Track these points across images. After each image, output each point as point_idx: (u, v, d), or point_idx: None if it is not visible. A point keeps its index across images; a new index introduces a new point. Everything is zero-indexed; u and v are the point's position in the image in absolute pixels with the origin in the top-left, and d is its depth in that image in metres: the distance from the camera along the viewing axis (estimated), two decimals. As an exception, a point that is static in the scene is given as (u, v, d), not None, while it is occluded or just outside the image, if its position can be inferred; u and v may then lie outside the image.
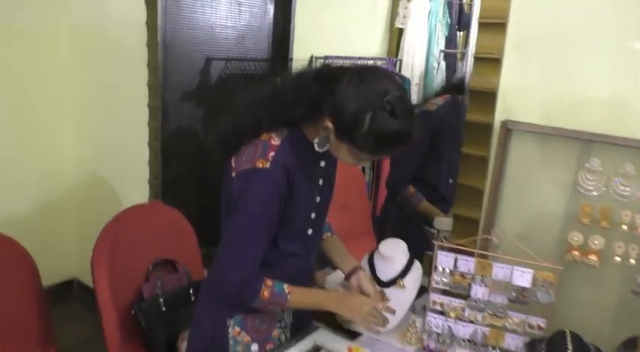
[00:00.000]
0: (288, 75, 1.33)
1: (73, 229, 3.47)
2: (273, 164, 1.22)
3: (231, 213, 1.26)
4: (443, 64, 4.55)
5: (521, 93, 1.61)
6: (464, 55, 5.28)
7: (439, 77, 4.53)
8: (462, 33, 5.37)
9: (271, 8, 3.51)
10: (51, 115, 3.15)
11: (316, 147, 1.25)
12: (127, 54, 2.59)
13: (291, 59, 3.60)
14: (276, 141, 1.26)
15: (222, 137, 1.33)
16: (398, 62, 4.17)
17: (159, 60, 2.25)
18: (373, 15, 4.34)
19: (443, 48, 4.91)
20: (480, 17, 1.32)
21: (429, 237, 1.92)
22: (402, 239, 1.74)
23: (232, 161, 1.30)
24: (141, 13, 2.29)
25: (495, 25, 1.29)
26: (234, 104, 1.33)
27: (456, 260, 1.47)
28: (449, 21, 4.97)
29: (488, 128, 1.24)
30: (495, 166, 1.26)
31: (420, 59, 4.60)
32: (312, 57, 3.34)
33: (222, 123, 1.34)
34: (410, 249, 1.68)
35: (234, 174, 1.27)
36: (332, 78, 1.21)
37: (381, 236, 1.36)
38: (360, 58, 3.73)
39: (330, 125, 1.21)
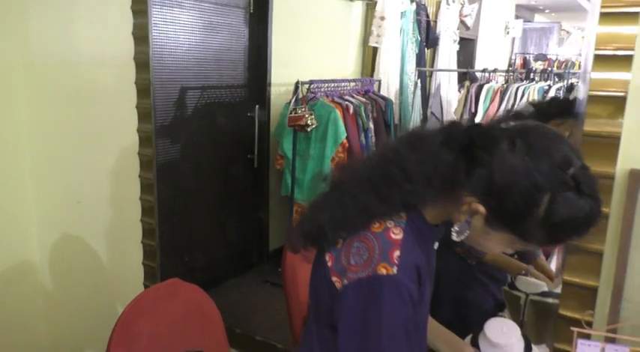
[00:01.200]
0: (403, 141, 0.95)
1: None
2: (402, 268, 0.88)
3: (349, 337, 0.93)
4: (419, 82, 4.44)
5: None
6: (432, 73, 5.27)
7: (417, 95, 4.41)
8: (429, 50, 5.34)
9: (246, 32, 3.25)
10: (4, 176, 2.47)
11: (454, 236, 0.92)
12: (108, 95, 2.13)
13: (270, 84, 3.35)
14: (396, 234, 0.91)
15: (314, 230, 0.97)
16: (377, 82, 3.99)
17: (151, 102, 1.91)
18: (348, 35, 4.17)
19: (414, 66, 4.83)
20: (597, 47, 1.09)
21: (499, 301, 1.66)
22: (461, 301, 1.51)
23: (328, 258, 0.97)
24: (125, 48, 1.94)
25: (616, 58, 1.09)
26: (330, 187, 0.99)
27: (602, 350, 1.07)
28: (419, 38, 4.90)
29: (605, 178, 1.05)
30: (624, 224, 1.06)
31: (394, 78, 4.48)
32: (297, 82, 3.09)
33: (312, 212, 1.00)
34: (473, 313, 1.44)
35: (337, 281, 0.94)
36: (478, 142, 0.88)
37: (434, 298, 1.08)
38: (344, 80, 3.53)
39: (479, 208, 0.88)
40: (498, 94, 3.92)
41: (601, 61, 1.12)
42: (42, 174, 2.48)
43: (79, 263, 2.56)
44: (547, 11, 9.52)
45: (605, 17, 1.11)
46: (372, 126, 3.51)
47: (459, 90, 4.81)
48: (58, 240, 2.58)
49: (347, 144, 3.19)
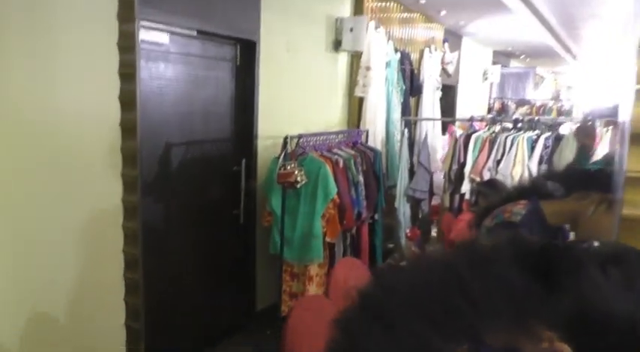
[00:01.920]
0: (463, 261, 0.77)
1: None
2: None
3: None
4: (406, 131, 4.40)
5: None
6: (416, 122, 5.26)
7: (404, 144, 4.35)
8: (413, 98, 5.36)
9: (233, 85, 3.18)
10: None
11: None
12: (91, 161, 1.94)
13: (256, 137, 3.26)
14: None
15: None
16: (365, 133, 3.93)
17: (138, 171, 1.77)
18: (334, 85, 4.13)
19: (400, 114, 4.81)
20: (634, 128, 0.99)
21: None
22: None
23: None
24: (108, 111, 1.81)
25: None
26: (365, 311, 0.79)
27: None
28: (403, 87, 4.91)
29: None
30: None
31: (381, 127, 4.44)
32: (286, 137, 3.00)
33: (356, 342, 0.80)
34: None
35: None
36: (560, 265, 0.73)
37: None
38: (333, 133, 3.46)
39: (564, 349, 0.69)
40: (487, 143, 3.89)
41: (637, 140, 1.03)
42: (13, 253, 2.18)
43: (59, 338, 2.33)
44: (522, 57, 9.79)
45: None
46: (361, 179, 3.42)
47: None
48: (33, 318, 2.35)
49: (338, 200, 3.09)
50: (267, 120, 3.36)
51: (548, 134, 3.71)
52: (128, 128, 1.78)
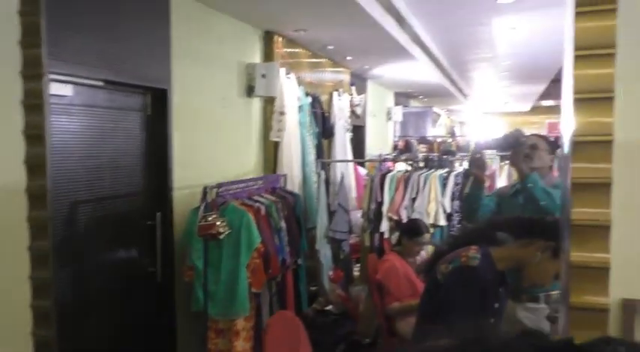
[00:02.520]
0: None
1: None
2: None
3: None
4: (322, 173, 4.44)
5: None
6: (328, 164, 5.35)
7: (322, 187, 4.38)
8: (326, 141, 5.46)
9: (144, 135, 3.03)
10: None
11: None
12: None
13: (172, 189, 3.13)
14: None
15: None
16: (283, 177, 3.91)
17: (49, 240, 1.58)
18: (249, 131, 4.10)
19: (314, 157, 4.87)
20: (574, 177, 1.03)
21: None
22: None
23: None
24: (12, 177, 1.60)
25: (596, 186, 1.05)
26: None
27: None
28: (316, 130, 4.99)
29: (598, 312, 0.98)
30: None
31: (297, 170, 4.46)
32: (205, 188, 2.89)
33: None
34: None
35: None
36: None
37: None
38: (252, 179, 3.40)
39: None
40: (402, 182, 4.03)
41: (580, 189, 1.07)
42: None
43: None
44: (421, 97, 10.43)
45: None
46: (284, 224, 3.37)
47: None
48: None
49: (262, 249, 3.00)
50: (183, 170, 3.23)
51: (457, 171, 3.92)
52: (36, 195, 1.59)
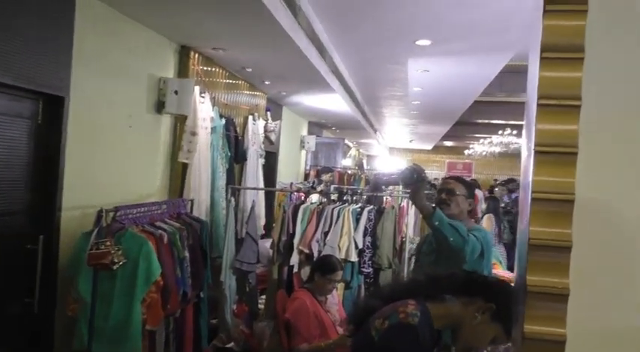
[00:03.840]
0: None
1: None
2: None
3: None
4: (232, 199, 4.22)
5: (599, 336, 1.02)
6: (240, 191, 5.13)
7: (231, 214, 4.15)
8: (238, 165, 5.24)
9: (32, 146, 2.68)
10: None
11: None
12: None
13: (60, 209, 2.78)
14: None
15: None
16: (189, 202, 3.64)
17: None
18: (156, 150, 3.79)
19: (225, 182, 4.64)
20: (533, 239, 0.93)
21: None
22: None
23: None
24: None
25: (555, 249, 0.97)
26: None
27: None
28: (228, 154, 4.77)
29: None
30: None
31: (205, 195, 4.20)
32: (101, 211, 2.58)
33: None
34: None
35: None
36: None
37: None
38: (155, 203, 3.11)
39: None
40: (315, 215, 3.91)
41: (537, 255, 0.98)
42: None
43: None
44: (333, 128, 10.54)
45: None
46: (187, 254, 3.09)
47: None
48: None
49: (162, 282, 2.70)
50: (75, 189, 2.87)
51: (371, 207, 3.88)
52: None
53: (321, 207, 3.97)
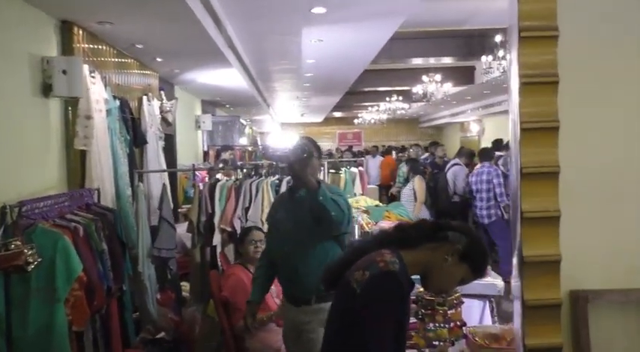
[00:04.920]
0: None
1: None
2: None
3: None
4: (141, 185, 3.97)
5: (591, 255, 1.19)
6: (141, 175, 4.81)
7: (142, 201, 3.90)
8: (138, 149, 4.90)
9: None
10: None
11: None
12: None
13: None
14: None
15: None
16: (95, 192, 3.35)
17: None
18: (48, 137, 3.41)
19: (127, 167, 4.33)
20: (524, 167, 0.97)
21: None
22: None
23: None
24: None
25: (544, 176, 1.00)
26: None
27: None
28: (127, 137, 4.45)
29: (551, 307, 0.94)
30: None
31: (109, 183, 3.89)
32: (4, 207, 2.28)
33: None
34: None
35: None
36: None
37: None
38: (62, 195, 2.82)
39: None
40: (233, 192, 3.79)
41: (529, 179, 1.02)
42: None
43: None
44: (227, 105, 10.27)
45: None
46: (105, 246, 2.85)
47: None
48: None
49: (85, 279, 2.46)
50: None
51: (289, 177, 3.84)
52: None
53: (238, 182, 3.86)
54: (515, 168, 1.10)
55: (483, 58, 6.19)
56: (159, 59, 5.22)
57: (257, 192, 3.77)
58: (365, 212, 4.09)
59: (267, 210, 3.75)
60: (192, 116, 8.24)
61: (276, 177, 3.94)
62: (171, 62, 5.46)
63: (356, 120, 19.75)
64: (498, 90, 11.96)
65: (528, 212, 1.07)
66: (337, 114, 18.94)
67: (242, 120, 11.54)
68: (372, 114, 16.14)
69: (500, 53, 5.80)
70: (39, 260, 2.27)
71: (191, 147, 8.06)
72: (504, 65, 5.93)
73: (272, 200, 3.76)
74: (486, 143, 11.66)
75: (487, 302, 2.76)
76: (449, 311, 1.91)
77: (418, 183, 6.40)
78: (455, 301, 1.94)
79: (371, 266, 1.43)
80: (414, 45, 7.61)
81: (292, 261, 2.39)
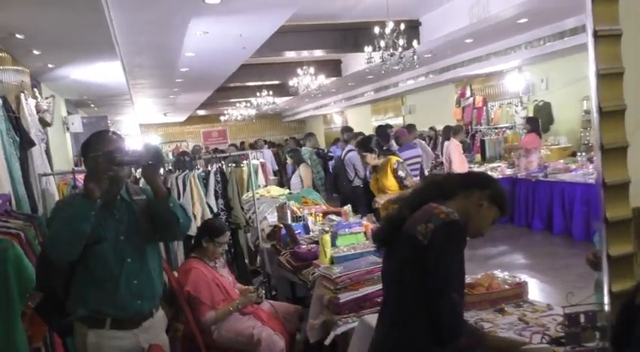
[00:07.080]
0: None
1: None
2: None
3: None
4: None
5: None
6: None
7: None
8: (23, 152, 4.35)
9: None
10: None
11: None
12: None
13: None
14: None
15: None
16: (9, 198, 2.98)
17: None
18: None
19: (20, 171, 3.87)
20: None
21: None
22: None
23: None
24: None
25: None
26: None
27: None
28: (17, 139, 3.96)
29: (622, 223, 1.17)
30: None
31: (8, 189, 3.47)
32: None
33: None
34: None
35: None
36: None
37: None
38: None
39: None
40: (159, 187, 3.59)
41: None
42: None
43: None
44: (92, 105, 9.47)
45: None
46: (41, 254, 2.55)
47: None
48: None
49: (39, 288, 2.19)
50: None
51: (215, 169, 3.76)
52: None
53: (162, 177, 3.67)
54: (596, 109, 1.36)
55: (366, 48, 6.59)
56: (36, 52, 4.68)
57: (185, 186, 3.63)
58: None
59: (197, 204, 3.65)
60: (59, 117, 7.47)
61: (201, 170, 3.83)
62: (50, 55, 4.93)
63: (222, 118, 19.44)
64: (362, 82, 12.76)
65: (608, 144, 1.31)
66: (201, 112, 18.47)
67: (109, 121, 10.73)
68: (240, 109, 16.04)
69: (382, 43, 6.23)
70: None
71: (63, 152, 7.32)
72: (384, 55, 6.39)
73: (202, 193, 3.66)
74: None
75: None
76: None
77: (304, 170, 6.70)
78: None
79: (432, 218, 1.54)
80: (292, 38, 7.78)
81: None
